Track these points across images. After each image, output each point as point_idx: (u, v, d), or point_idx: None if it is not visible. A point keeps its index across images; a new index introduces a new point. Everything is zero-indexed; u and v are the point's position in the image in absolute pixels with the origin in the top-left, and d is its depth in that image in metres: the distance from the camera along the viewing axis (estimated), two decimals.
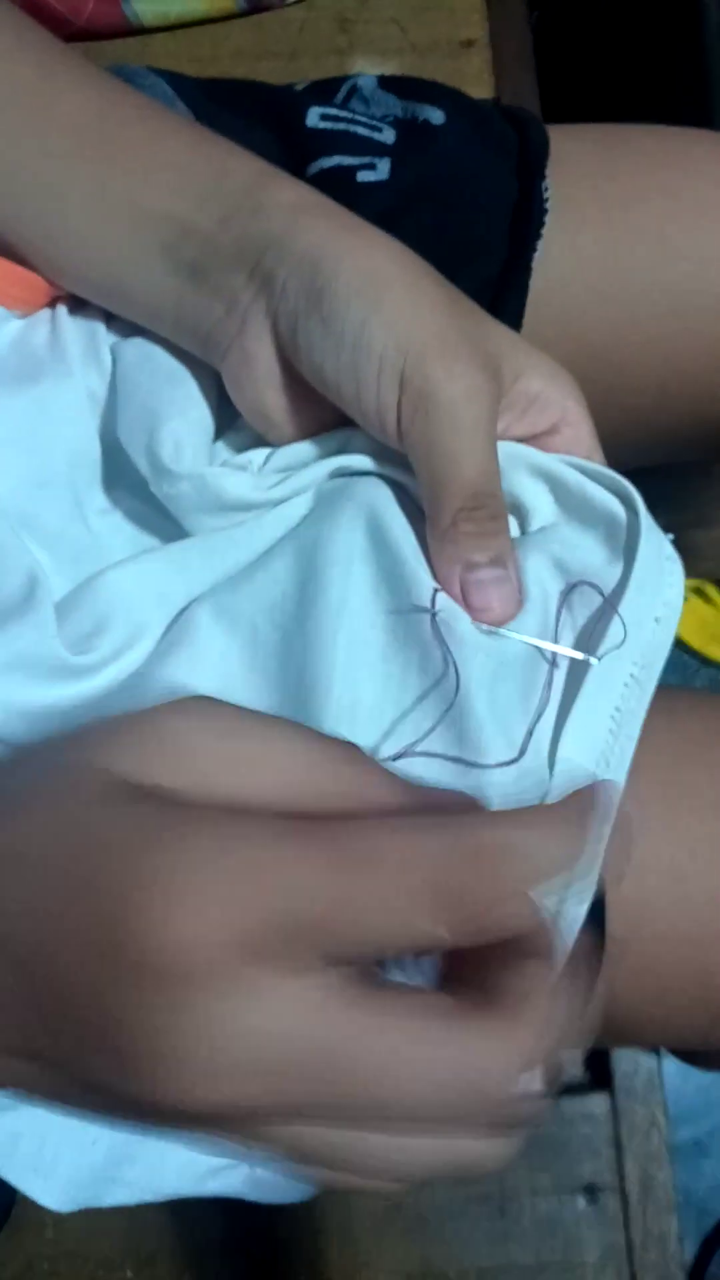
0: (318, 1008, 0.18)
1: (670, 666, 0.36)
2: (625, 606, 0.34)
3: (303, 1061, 0.18)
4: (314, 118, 0.46)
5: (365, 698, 0.34)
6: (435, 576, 0.34)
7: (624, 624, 0.34)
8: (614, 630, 0.34)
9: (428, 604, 0.34)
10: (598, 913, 0.38)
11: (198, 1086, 0.18)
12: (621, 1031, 0.42)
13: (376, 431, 0.35)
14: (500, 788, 0.33)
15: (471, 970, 0.21)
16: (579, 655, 0.34)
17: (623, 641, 0.34)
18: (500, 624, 0.34)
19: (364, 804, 0.20)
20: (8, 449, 0.38)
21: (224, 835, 0.19)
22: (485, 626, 0.34)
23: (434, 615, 0.33)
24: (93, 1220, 0.49)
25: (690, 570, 1.01)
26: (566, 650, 0.34)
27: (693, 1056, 0.51)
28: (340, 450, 0.37)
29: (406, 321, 0.33)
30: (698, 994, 0.39)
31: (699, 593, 0.96)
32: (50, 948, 0.19)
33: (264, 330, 0.35)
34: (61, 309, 0.41)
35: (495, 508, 0.34)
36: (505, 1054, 0.19)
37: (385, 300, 0.33)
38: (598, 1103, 0.64)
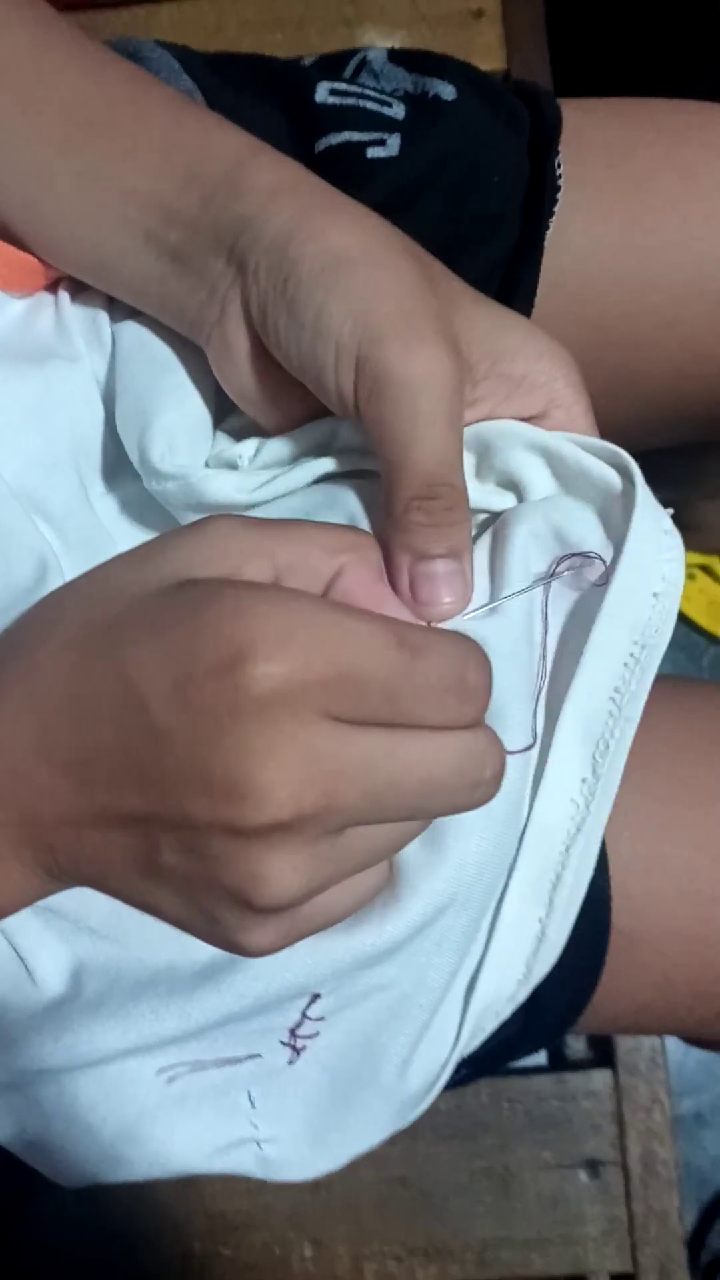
0: (351, 732, 0.23)
1: (679, 645, 0.35)
2: (618, 580, 0.33)
3: (351, 765, 0.23)
4: (323, 93, 0.45)
5: None
6: (386, 565, 0.32)
7: (603, 560, 0.34)
8: (605, 608, 0.33)
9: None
10: (604, 906, 0.38)
11: (278, 794, 0.22)
12: (626, 1023, 0.42)
13: (342, 415, 0.33)
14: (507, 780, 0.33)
15: None
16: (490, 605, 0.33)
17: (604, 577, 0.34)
18: (446, 619, 0.32)
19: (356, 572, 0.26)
20: (17, 430, 0.37)
21: (305, 600, 0.23)
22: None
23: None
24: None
25: (700, 546, 1.00)
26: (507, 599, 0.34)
27: (698, 1040, 0.51)
28: (329, 441, 0.36)
29: (365, 303, 0.32)
30: (702, 988, 0.39)
31: (708, 570, 0.95)
32: (151, 700, 0.23)
33: (241, 317, 0.34)
34: (63, 293, 0.41)
35: (452, 499, 0.31)
36: (486, 730, 0.25)
37: (344, 282, 0.32)
38: (601, 1079, 0.64)
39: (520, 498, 0.36)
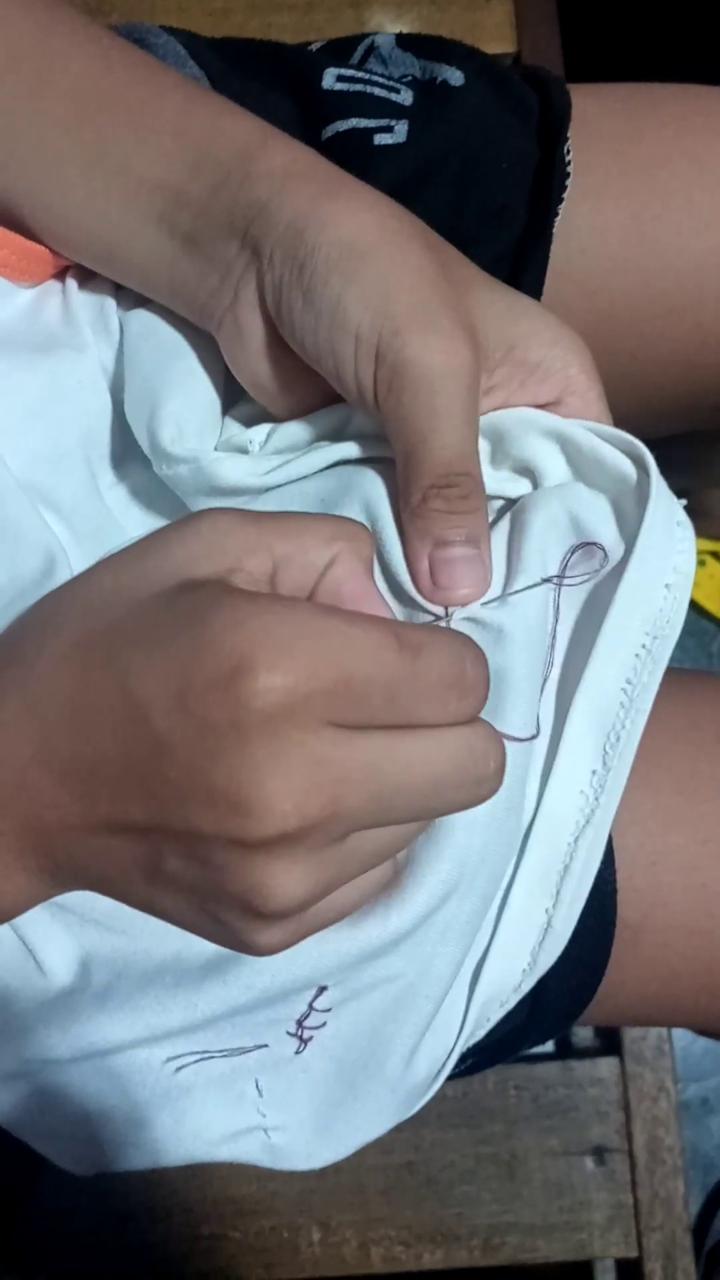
0: (354, 738, 0.23)
1: (688, 631, 0.35)
2: (631, 572, 0.33)
3: (354, 772, 0.23)
4: (330, 79, 0.44)
5: None
6: (404, 552, 0.33)
7: (605, 551, 0.34)
8: (619, 600, 0.33)
9: (439, 611, 0.33)
10: (609, 899, 0.38)
11: (282, 805, 0.22)
12: (631, 1015, 0.42)
13: (358, 405, 0.34)
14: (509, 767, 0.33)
15: None
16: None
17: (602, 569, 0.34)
18: (464, 605, 0.33)
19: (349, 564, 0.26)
20: (24, 422, 0.37)
21: (304, 609, 0.23)
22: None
23: (447, 619, 0.33)
24: None
25: (711, 532, 1.00)
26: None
27: (704, 1031, 0.51)
28: (342, 427, 0.36)
29: (383, 294, 0.32)
30: (706, 981, 0.39)
31: (717, 556, 0.95)
32: (153, 711, 0.23)
33: (255, 301, 0.34)
34: (71, 281, 0.41)
35: (469, 487, 0.32)
36: (484, 725, 0.25)
37: (362, 272, 0.32)
38: (607, 1067, 0.64)
39: (535, 484, 0.36)
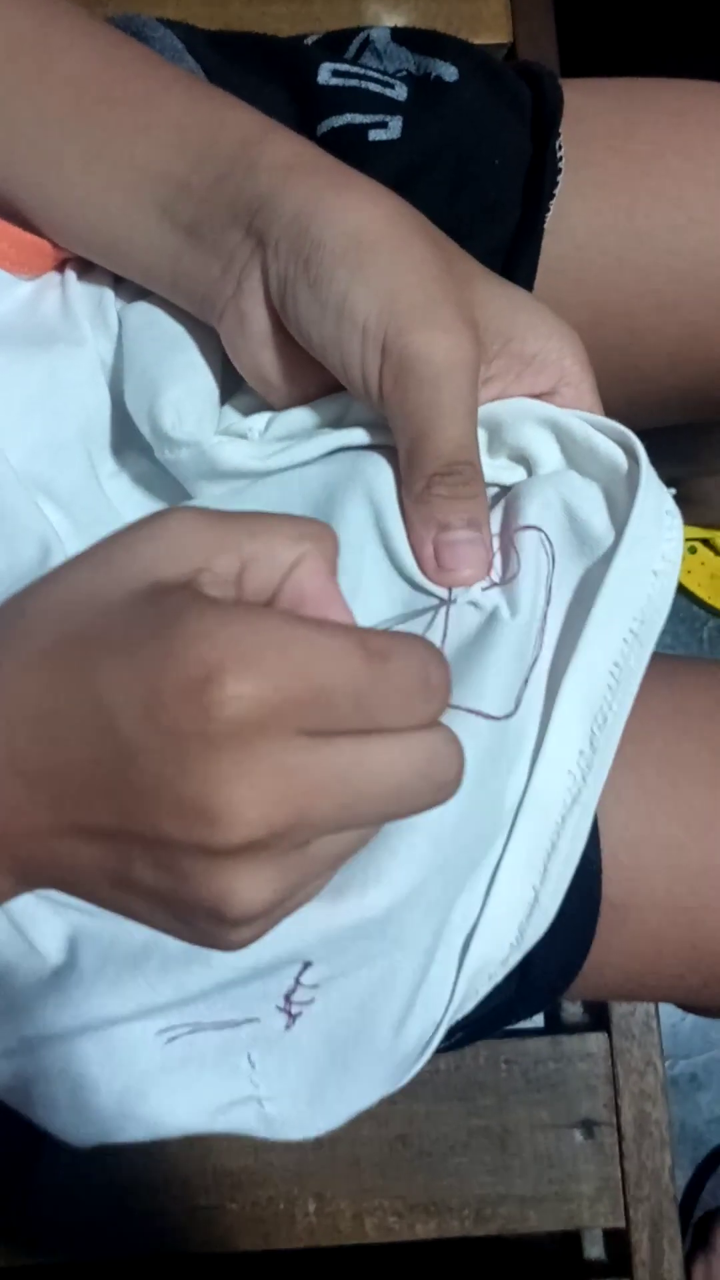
0: (321, 747, 0.23)
1: (679, 617, 0.36)
2: (621, 558, 0.34)
3: (322, 781, 0.23)
4: (325, 74, 0.45)
5: None
6: (408, 538, 0.35)
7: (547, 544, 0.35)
8: (608, 585, 0.34)
9: (443, 594, 0.34)
10: (595, 878, 0.39)
11: (250, 814, 0.22)
12: (616, 990, 0.43)
13: (362, 397, 0.34)
14: (475, 736, 0.33)
15: None
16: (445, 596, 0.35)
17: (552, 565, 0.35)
18: (468, 585, 0.34)
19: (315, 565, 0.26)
20: (22, 415, 0.38)
21: (272, 618, 0.23)
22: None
23: (451, 601, 0.34)
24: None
25: (701, 520, 1.00)
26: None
27: (688, 1007, 0.53)
28: (341, 416, 0.37)
29: (389, 289, 0.33)
30: (689, 958, 0.40)
31: (708, 543, 0.96)
32: (122, 720, 0.23)
33: (258, 291, 0.35)
34: (70, 274, 0.41)
35: (470, 474, 0.34)
36: (443, 729, 0.25)
37: (368, 267, 0.33)
38: (596, 1042, 0.65)
39: (530, 472, 0.37)
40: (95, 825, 0.24)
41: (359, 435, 0.37)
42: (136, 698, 0.22)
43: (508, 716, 0.34)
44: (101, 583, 0.25)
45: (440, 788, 0.25)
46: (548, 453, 0.37)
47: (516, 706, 0.34)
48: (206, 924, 0.24)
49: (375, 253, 0.33)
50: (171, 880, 0.24)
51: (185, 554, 0.25)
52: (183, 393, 0.37)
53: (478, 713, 0.33)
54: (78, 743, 0.23)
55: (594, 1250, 0.66)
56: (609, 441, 0.36)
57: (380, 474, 0.36)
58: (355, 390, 0.34)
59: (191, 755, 0.22)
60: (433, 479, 0.33)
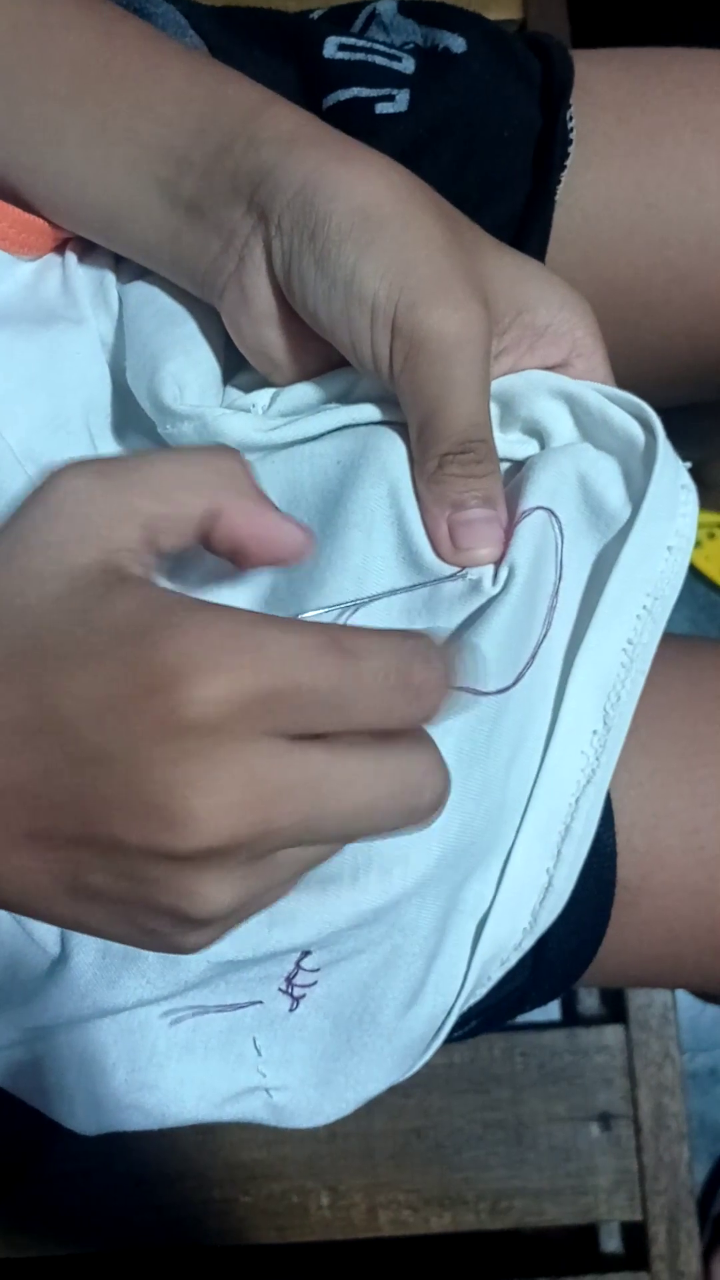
0: (290, 753, 0.23)
1: (696, 604, 0.36)
2: (636, 535, 0.34)
3: (288, 791, 0.22)
4: (331, 48, 0.44)
5: None
6: (422, 517, 0.34)
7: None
8: (622, 561, 0.34)
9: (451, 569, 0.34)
10: (610, 861, 0.38)
11: (214, 820, 0.22)
12: (631, 976, 0.43)
13: (372, 376, 0.34)
14: (480, 719, 0.33)
15: None
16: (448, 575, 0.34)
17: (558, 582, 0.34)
18: (485, 564, 0.34)
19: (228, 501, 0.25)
20: (22, 394, 0.37)
21: (238, 618, 0.23)
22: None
23: (461, 576, 0.34)
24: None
25: (717, 505, 0.99)
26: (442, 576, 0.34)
27: (705, 993, 0.52)
28: (348, 392, 0.37)
29: (399, 264, 0.32)
30: (707, 941, 0.40)
31: None
32: (83, 727, 0.22)
33: (261, 267, 0.34)
34: (70, 255, 0.41)
35: (483, 452, 0.33)
36: (429, 755, 0.25)
37: (376, 241, 0.32)
38: (613, 1034, 0.65)
39: (543, 445, 0.37)
40: (51, 834, 0.23)
41: (369, 411, 0.36)
42: (100, 703, 0.22)
43: (501, 691, 0.33)
44: (19, 588, 0.24)
45: (410, 813, 0.24)
46: (562, 425, 0.36)
47: (515, 681, 0.33)
48: (166, 927, 0.24)
49: (383, 226, 0.32)
50: (131, 885, 0.23)
51: (91, 531, 0.24)
52: (183, 365, 0.36)
53: (467, 689, 0.33)
54: (31, 754, 0.22)
55: (611, 1243, 0.65)
56: (624, 414, 0.35)
57: (394, 451, 0.35)
58: (364, 367, 0.34)
59: (155, 760, 0.22)
60: (445, 457, 0.33)
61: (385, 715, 0.23)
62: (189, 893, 0.23)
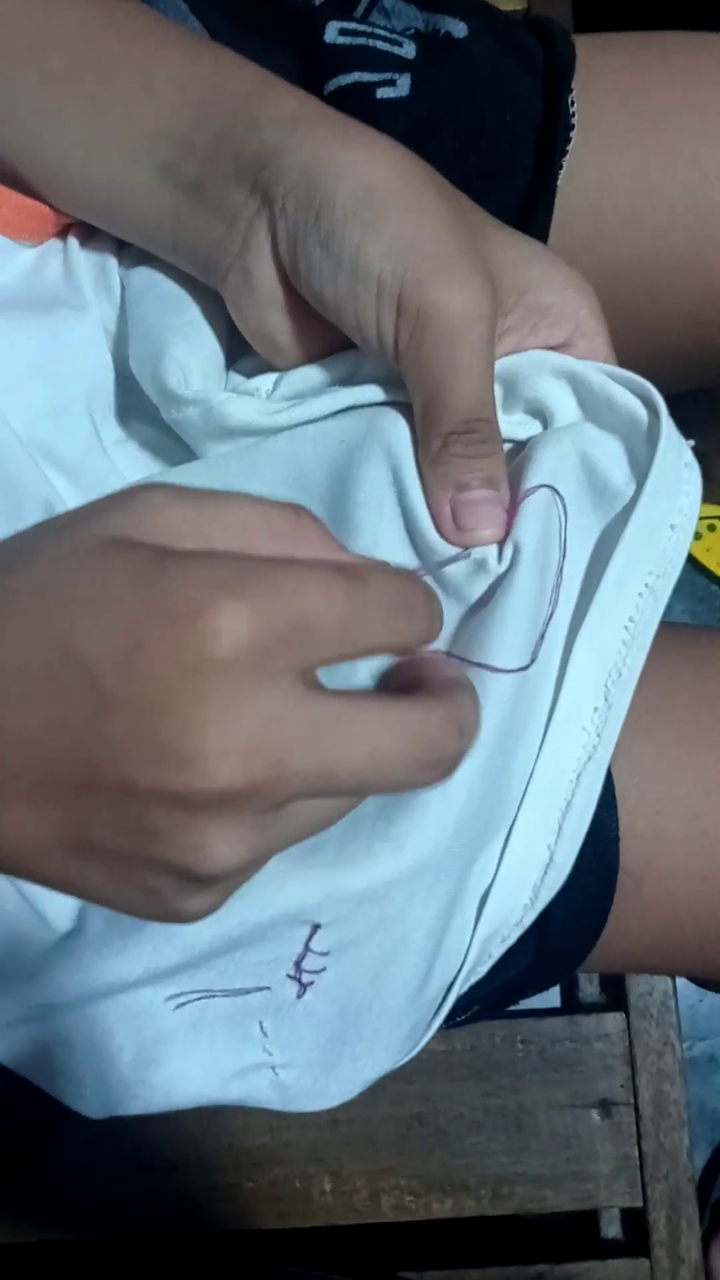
0: (308, 698, 0.22)
1: (696, 596, 0.36)
2: (639, 513, 0.34)
3: (306, 735, 0.22)
4: (332, 33, 0.44)
5: None
6: (425, 498, 0.34)
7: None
8: (626, 539, 0.34)
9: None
10: (613, 846, 0.38)
11: (230, 762, 0.21)
12: (634, 963, 0.43)
13: (377, 355, 0.34)
14: (500, 699, 0.33)
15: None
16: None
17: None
18: (488, 545, 0.34)
19: (305, 553, 0.24)
20: (24, 380, 0.37)
21: (251, 558, 0.22)
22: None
23: (465, 558, 0.34)
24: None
25: (716, 498, 0.99)
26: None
27: (705, 981, 0.52)
28: (351, 374, 0.37)
29: (404, 242, 0.32)
30: (710, 928, 0.40)
31: None
32: (102, 669, 0.22)
33: (265, 249, 0.34)
34: (73, 240, 0.41)
35: (486, 432, 0.33)
36: (448, 708, 0.24)
37: (381, 220, 0.32)
38: (613, 1022, 0.65)
39: (546, 425, 0.37)
40: (56, 785, 0.22)
41: (373, 392, 0.36)
42: (118, 644, 0.21)
43: (521, 669, 0.33)
44: (56, 538, 0.23)
45: (425, 767, 0.24)
46: (565, 405, 0.36)
47: (531, 660, 0.33)
48: (171, 886, 0.23)
49: (388, 205, 0.32)
50: (139, 839, 0.22)
51: (156, 527, 0.23)
52: (187, 350, 0.36)
53: (487, 666, 0.33)
54: (48, 702, 0.22)
55: (611, 1230, 0.66)
56: (627, 393, 0.35)
57: (398, 431, 0.35)
58: (369, 347, 0.34)
59: (175, 696, 0.21)
60: (449, 437, 0.33)
61: (391, 634, 0.23)
62: (196, 846, 0.22)
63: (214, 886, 0.24)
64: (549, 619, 0.34)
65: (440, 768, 0.24)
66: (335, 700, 0.23)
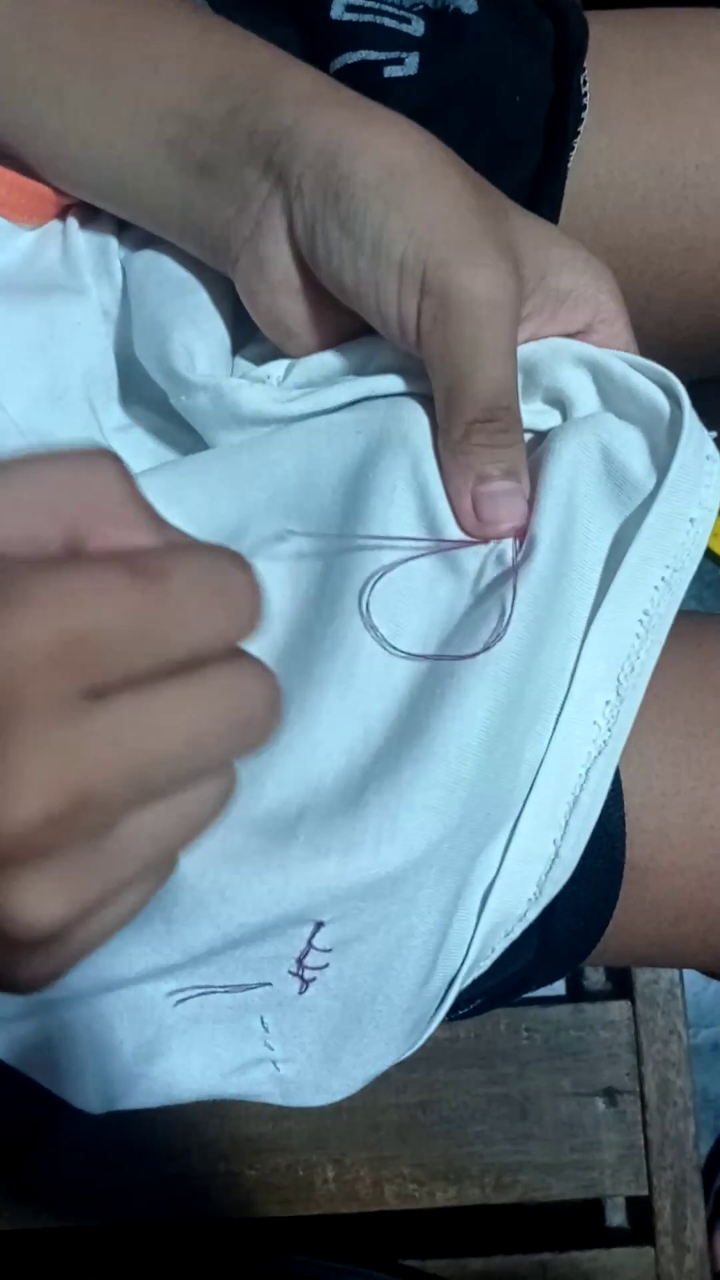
0: (95, 709, 0.19)
1: (707, 583, 0.35)
2: (660, 506, 0.33)
3: (98, 751, 0.19)
4: (339, 9, 0.43)
5: (409, 626, 0.33)
6: (445, 489, 0.34)
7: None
8: (644, 531, 0.33)
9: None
10: (618, 840, 0.38)
11: (22, 804, 0.18)
12: (639, 956, 0.42)
13: (398, 340, 0.33)
14: (495, 681, 0.32)
15: None
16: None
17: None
18: (508, 537, 0.34)
19: (97, 539, 0.21)
20: (21, 365, 0.37)
21: (14, 564, 0.19)
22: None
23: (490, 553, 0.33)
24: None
25: None
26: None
27: (712, 972, 0.52)
28: (366, 362, 0.36)
29: (428, 222, 0.31)
30: (715, 921, 0.39)
31: None
32: None
33: (280, 232, 0.33)
34: (72, 222, 0.40)
35: (508, 421, 0.33)
36: (247, 663, 0.21)
37: (403, 200, 0.31)
38: (619, 1010, 0.65)
39: (565, 415, 0.36)
40: None
41: (389, 382, 0.35)
42: None
43: (473, 655, 0.32)
44: None
45: (248, 724, 0.21)
46: (585, 394, 0.36)
47: (483, 648, 0.32)
48: None
49: (409, 185, 0.31)
50: None
51: None
52: (193, 335, 0.35)
53: (445, 657, 0.32)
54: None
55: (616, 1218, 0.66)
56: (649, 383, 0.34)
57: (417, 421, 0.34)
58: (390, 332, 0.33)
59: None
60: (471, 426, 0.32)
61: (208, 627, 0.20)
62: (11, 904, 0.19)
63: (46, 947, 0.21)
64: (510, 612, 0.32)
65: (263, 723, 0.21)
66: (124, 699, 0.20)
